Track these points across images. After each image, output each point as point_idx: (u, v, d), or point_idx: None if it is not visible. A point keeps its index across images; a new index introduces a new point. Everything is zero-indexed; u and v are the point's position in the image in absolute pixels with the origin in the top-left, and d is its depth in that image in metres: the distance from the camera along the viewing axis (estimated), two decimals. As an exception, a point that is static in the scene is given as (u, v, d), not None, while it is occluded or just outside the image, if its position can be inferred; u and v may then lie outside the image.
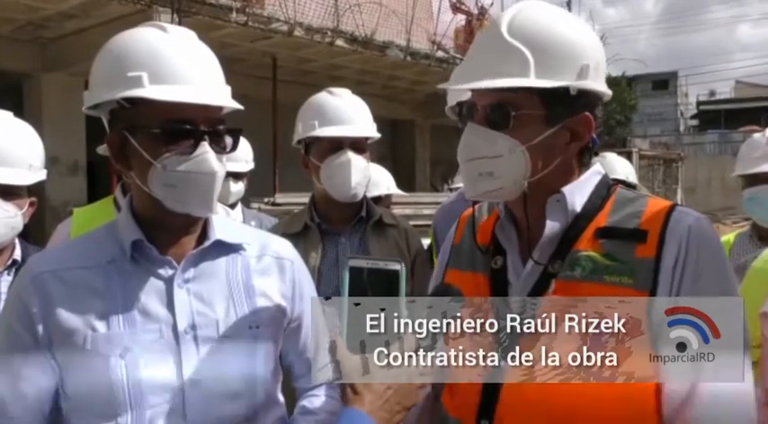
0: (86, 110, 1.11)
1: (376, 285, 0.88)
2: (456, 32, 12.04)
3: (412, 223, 2.25)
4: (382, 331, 0.87)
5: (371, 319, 0.87)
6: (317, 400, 1.23)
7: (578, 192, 1.05)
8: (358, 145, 1.94)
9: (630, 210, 1.02)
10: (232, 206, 2.77)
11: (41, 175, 1.78)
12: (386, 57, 10.18)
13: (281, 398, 1.22)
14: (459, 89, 1.05)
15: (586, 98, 1.02)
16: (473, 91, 1.04)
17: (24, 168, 1.72)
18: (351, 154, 1.90)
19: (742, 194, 2.46)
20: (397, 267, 0.88)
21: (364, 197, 2.03)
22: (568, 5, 19.70)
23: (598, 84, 1.03)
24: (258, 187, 2.58)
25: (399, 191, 3.38)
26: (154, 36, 1.07)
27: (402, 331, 0.87)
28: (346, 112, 1.95)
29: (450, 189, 3.57)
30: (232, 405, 1.09)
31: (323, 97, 2.02)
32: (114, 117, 1.08)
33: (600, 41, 1.06)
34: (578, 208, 1.04)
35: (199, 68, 1.06)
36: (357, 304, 0.87)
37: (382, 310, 0.87)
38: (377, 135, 2.02)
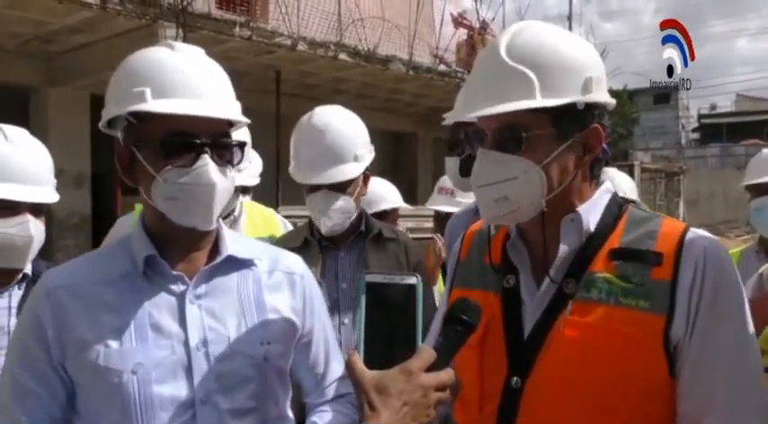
0: (103, 129, 1.13)
1: (392, 299, 0.87)
2: (458, 46, 12.12)
3: (414, 235, 2.26)
4: (399, 346, 0.86)
5: (388, 334, 0.86)
6: (326, 415, 1.23)
7: (592, 212, 1.04)
8: (338, 184, 1.91)
9: (644, 231, 1.02)
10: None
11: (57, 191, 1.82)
12: (388, 70, 10.24)
13: (290, 413, 1.22)
14: (468, 119, 1.04)
15: (594, 110, 1.02)
16: (479, 117, 1.03)
17: (50, 185, 1.77)
18: (322, 205, 1.89)
19: (749, 206, 2.46)
20: (413, 281, 0.87)
21: (363, 211, 2.03)
22: (569, 20, 19.84)
23: (602, 96, 1.03)
24: (261, 199, 2.60)
25: (406, 205, 3.37)
26: (161, 53, 1.09)
27: (419, 345, 0.86)
28: (326, 152, 1.89)
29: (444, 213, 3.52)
30: (242, 421, 1.09)
31: (306, 131, 1.95)
32: (125, 133, 1.10)
33: (598, 54, 1.07)
34: (592, 228, 1.03)
35: (203, 82, 1.07)
36: (374, 319, 0.86)
37: (399, 324, 0.86)
38: (359, 171, 1.94)
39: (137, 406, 1.03)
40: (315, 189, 1.92)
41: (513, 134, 0.99)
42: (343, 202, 1.92)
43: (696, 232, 1.01)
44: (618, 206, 1.07)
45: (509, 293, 1.08)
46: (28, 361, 1.06)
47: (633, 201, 3.18)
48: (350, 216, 1.96)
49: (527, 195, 1.00)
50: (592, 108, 1.02)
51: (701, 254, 0.97)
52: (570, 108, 0.99)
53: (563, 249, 1.02)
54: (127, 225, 1.96)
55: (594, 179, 1.07)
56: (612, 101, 1.06)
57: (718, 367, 0.95)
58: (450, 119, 1.12)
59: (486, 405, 1.05)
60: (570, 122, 1.00)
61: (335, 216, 1.91)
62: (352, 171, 1.92)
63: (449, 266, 1.27)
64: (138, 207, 2.00)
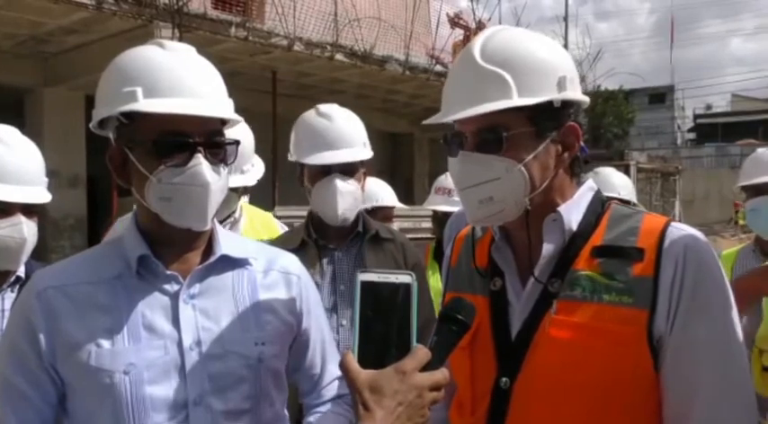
0: (94, 129, 1.12)
1: (387, 298, 0.86)
2: (454, 47, 12.12)
3: (411, 236, 2.25)
4: (394, 345, 0.85)
5: (383, 333, 0.85)
6: (323, 416, 1.23)
7: (574, 210, 1.05)
8: (347, 168, 1.92)
9: (625, 227, 1.03)
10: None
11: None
12: (385, 71, 10.24)
13: (286, 414, 1.21)
14: (447, 121, 1.06)
15: (569, 108, 1.05)
16: (458, 120, 1.05)
17: (43, 185, 1.75)
18: (338, 182, 1.89)
19: (744, 206, 2.46)
20: (408, 280, 0.87)
21: (360, 212, 2.02)
22: (565, 21, 19.88)
23: (577, 94, 1.05)
24: (257, 200, 2.59)
25: (401, 205, 3.35)
26: (151, 52, 1.08)
27: (414, 345, 0.85)
28: (334, 136, 1.92)
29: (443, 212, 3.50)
30: (236, 422, 1.08)
31: (311, 119, 1.99)
32: (117, 133, 1.09)
33: (569, 55, 1.09)
34: (574, 227, 1.04)
35: (195, 81, 1.06)
36: (368, 318, 0.86)
37: (394, 324, 0.86)
38: (367, 156, 1.99)
39: (129, 407, 1.01)
40: (323, 174, 1.92)
41: (493, 134, 1.01)
42: (354, 186, 1.93)
43: (677, 226, 1.01)
44: (601, 203, 1.08)
45: (496, 295, 1.08)
46: (18, 362, 1.05)
47: (629, 202, 3.17)
48: (358, 205, 1.97)
49: (511, 194, 1.02)
50: (567, 106, 1.04)
51: (682, 249, 0.97)
52: (547, 106, 1.01)
53: (546, 249, 1.03)
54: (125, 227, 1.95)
55: (575, 177, 1.09)
56: (587, 100, 1.08)
57: (699, 361, 0.95)
58: (428, 122, 1.13)
59: (477, 407, 1.05)
60: (547, 120, 1.02)
61: (349, 199, 1.91)
62: (362, 154, 1.97)
63: (443, 270, 1.27)
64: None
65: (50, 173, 1.80)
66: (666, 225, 1.01)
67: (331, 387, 1.27)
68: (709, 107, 41.62)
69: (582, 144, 1.07)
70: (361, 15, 9.64)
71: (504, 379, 1.02)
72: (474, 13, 12.25)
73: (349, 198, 1.91)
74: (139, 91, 1.02)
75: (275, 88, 9.54)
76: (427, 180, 13.77)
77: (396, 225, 3.42)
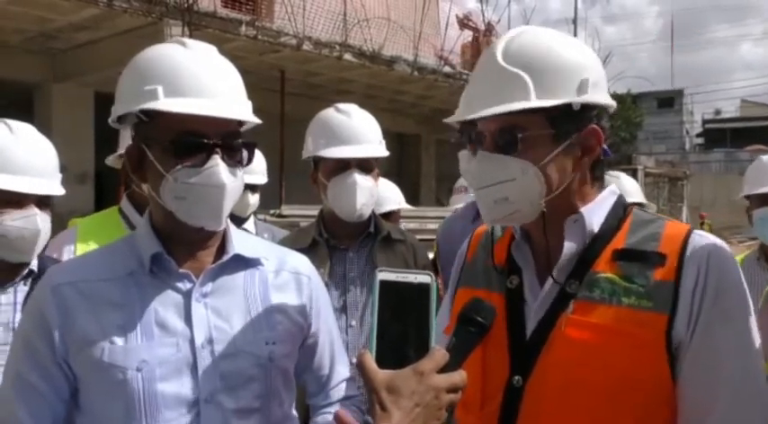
0: (113, 124, 1.12)
1: (406, 298, 0.85)
2: (463, 48, 12.13)
3: (417, 236, 2.25)
4: (412, 346, 0.84)
5: (401, 333, 0.85)
6: (330, 417, 1.22)
7: (596, 213, 1.05)
8: (365, 164, 1.93)
9: (648, 232, 1.03)
10: (245, 219, 2.76)
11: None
12: (393, 71, 10.25)
13: (295, 414, 1.21)
14: (463, 120, 1.06)
15: (591, 111, 1.03)
16: (479, 119, 1.05)
17: (57, 179, 1.77)
18: (357, 176, 1.89)
19: (752, 215, 2.41)
20: (427, 280, 0.86)
21: (372, 212, 2.02)
22: (574, 23, 19.84)
23: (600, 97, 1.04)
24: (264, 198, 2.59)
25: (408, 206, 3.38)
26: (173, 51, 1.08)
27: (432, 346, 0.84)
28: (354, 131, 1.93)
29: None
30: (247, 421, 1.08)
31: (330, 115, 2.00)
32: (136, 130, 1.09)
33: (596, 57, 1.08)
34: (596, 229, 1.04)
35: (216, 82, 1.06)
36: (387, 318, 0.85)
37: (412, 324, 0.85)
38: (385, 153, 1.99)
39: (141, 403, 1.02)
40: (342, 169, 1.91)
41: (509, 135, 1.01)
42: (371, 183, 1.93)
43: (700, 233, 1.01)
44: (623, 208, 1.08)
45: (512, 293, 1.08)
46: (32, 357, 1.05)
47: (641, 204, 3.16)
48: (373, 203, 1.97)
49: (527, 196, 1.01)
50: (589, 109, 1.02)
51: (705, 255, 0.97)
52: (566, 109, 1.00)
53: (567, 249, 1.03)
54: (69, 241, 1.93)
55: (597, 180, 1.08)
56: (612, 103, 1.06)
57: (719, 368, 0.95)
58: (449, 120, 1.13)
59: (487, 404, 1.05)
60: (567, 123, 1.01)
61: (367, 194, 1.91)
62: (380, 151, 1.98)
63: (454, 267, 1.27)
64: (81, 223, 2.00)
65: (59, 169, 1.81)
66: (689, 232, 1.01)
67: (339, 388, 1.27)
68: (718, 112, 41.48)
69: (605, 147, 1.06)
70: (370, 15, 9.65)
71: (516, 377, 1.02)
72: (483, 15, 12.24)
73: (367, 193, 1.91)
74: (160, 89, 1.02)
75: (283, 87, 9.56)
76: (434, 180, 13.76)
77: (402, 225, 3.44)
